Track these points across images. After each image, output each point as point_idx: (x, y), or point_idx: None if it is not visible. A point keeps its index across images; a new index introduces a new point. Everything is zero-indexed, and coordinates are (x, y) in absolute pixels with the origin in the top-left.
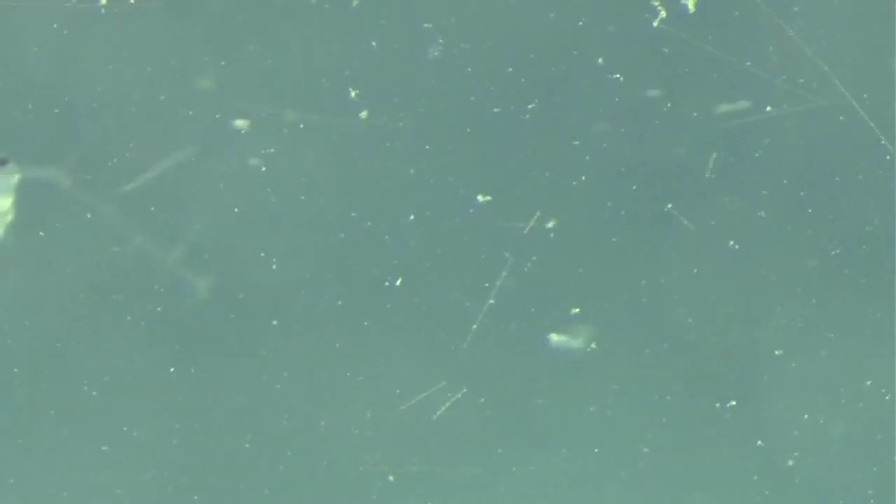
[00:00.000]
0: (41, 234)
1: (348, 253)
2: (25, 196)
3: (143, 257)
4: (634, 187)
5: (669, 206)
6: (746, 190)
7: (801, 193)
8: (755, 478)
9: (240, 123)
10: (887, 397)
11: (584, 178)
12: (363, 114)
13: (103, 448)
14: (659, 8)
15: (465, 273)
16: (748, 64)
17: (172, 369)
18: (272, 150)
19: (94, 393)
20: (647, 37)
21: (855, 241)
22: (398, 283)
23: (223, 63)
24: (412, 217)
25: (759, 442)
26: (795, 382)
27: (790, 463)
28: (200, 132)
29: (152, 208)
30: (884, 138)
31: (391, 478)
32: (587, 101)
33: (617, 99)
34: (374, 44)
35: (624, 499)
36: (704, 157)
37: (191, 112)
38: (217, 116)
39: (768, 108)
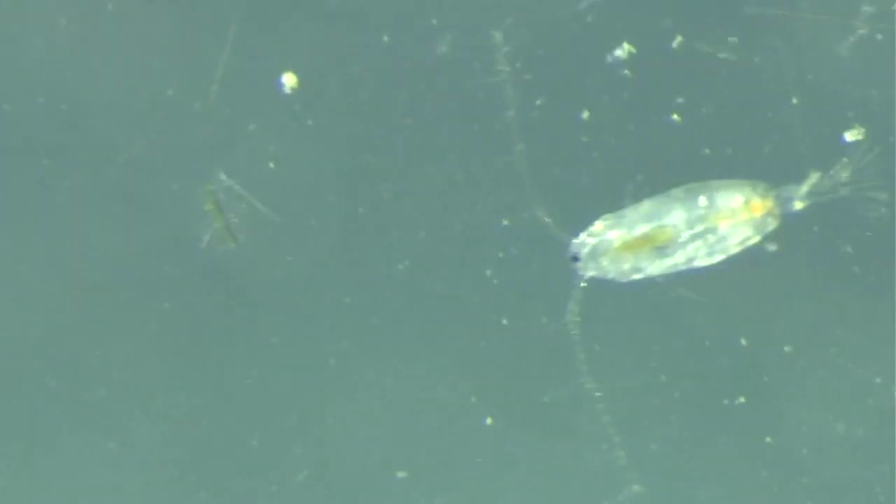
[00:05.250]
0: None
1: (356, 250)
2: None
3: (150, 254)
4: (641, 183)
5: None
6: None
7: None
8: (764, 475)
9: (247, 120)
10: None
11: (592, 174)
12: (371, 111)
13: (110, 445)
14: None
15: (474, 271)
16: (756, 60)
17: (181, 367)
18: (279, 147)
19: (103, 390)
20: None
21: (865, 239)
22: (407, 280)
23: (230, 59)
24: (420, 214)
25: (768, 439)
26: (804, 380)
27: (799, 460)
28: (208, 129)
29: (159, 205)
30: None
31: (400, 474)
32: (595, 97)
33: (625, 95)
34: (385, 38)
35: (632, 496)
36: (707, 155)
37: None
38: (225, 113)
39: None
